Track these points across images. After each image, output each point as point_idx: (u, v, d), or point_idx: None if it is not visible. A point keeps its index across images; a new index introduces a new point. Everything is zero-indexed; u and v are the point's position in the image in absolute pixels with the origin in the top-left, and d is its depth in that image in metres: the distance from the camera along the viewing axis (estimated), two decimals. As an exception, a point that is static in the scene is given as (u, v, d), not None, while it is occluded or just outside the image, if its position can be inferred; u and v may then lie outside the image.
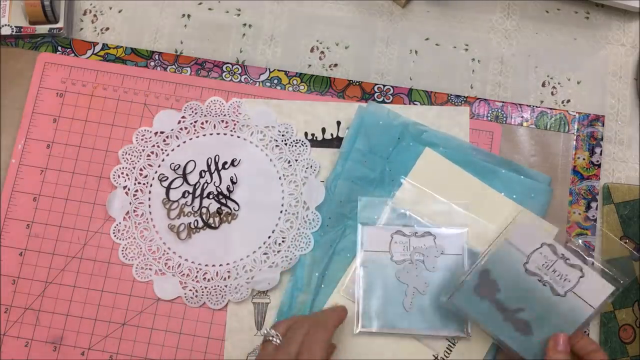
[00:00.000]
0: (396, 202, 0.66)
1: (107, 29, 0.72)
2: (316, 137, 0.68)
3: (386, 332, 0.64)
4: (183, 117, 0.68)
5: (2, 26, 0.69)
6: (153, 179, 0.67)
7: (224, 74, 0.70)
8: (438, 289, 0.64)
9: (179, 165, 0.67)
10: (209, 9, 0.73)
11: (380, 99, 0.69)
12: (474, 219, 0.66)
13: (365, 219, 0.66)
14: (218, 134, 0.68)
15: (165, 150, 0.67)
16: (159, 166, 0.67)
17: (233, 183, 0.67)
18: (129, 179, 0.67)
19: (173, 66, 0.70)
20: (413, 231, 0.65)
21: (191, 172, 0.67)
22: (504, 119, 0.69)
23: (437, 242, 0.65)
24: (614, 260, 0.67)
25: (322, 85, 0.70)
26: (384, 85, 0.70)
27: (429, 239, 0.65)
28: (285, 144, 0.68)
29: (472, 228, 0.65)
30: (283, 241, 0.65)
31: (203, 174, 0.67)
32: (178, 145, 0.67)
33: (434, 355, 0.64)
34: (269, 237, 0.66)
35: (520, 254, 0.62)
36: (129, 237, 0.66)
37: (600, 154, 0.69)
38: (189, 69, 0.70)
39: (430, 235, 0.65)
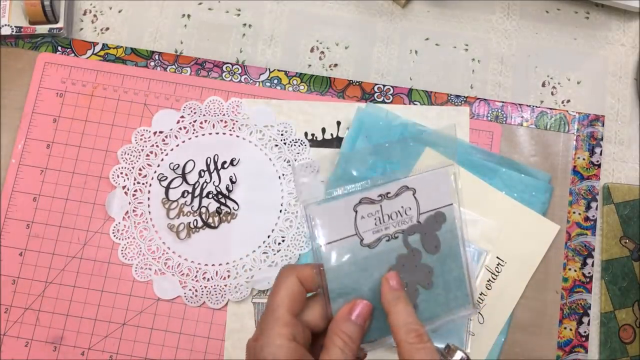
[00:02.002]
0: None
1: (107, 29, 0.72)
2: (316, 137, 0.68)
3: (385, 344, 0.46)
4: (182, 116, 0.68)
5: (2, 26, 0.69)
6: (152, 178, 0.67)
7: (224, 74, 0.70)
8: (449, 273, 0.47)
9: (178, 165, 0.67)
10: (209, 9, 0.73)
11: (380, 99, 0.69)
12: (478, 218, 0.66)
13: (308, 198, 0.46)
14: (217, 133, 0.68)
15: (165, 150, 0.67)
16: (158, 166, 0.67)
17: (232, 182, 0.67)
18: (128, 178, 0.67)
19: (173, 66, 0.70)
20: (382, 191, 0.46)
21: (190, 171, 0.67)
22: (504, 119, 0.69)
23: (419, 199, 0.46)
24: (614, 260, 0.67)
25: (322, 85, 0.70)
26: (384, 85, 0.70)
27: (407, 197, 0.46)
28: (285, 144, 0.68)
29: (475, 228, 0.65)
30: (283, 240, 0.65)
31: (202, 173, 0.67)
32: (177, 145, 0.68)
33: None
34: (269, 236, 0.66)
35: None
36: (129, 237, 0.66)
37: (600, 154, 0.69)
38: (189, 69, 0.70)
39: (407, 189, 0.46)
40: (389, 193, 0.46)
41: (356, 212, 0.46)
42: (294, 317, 0.43)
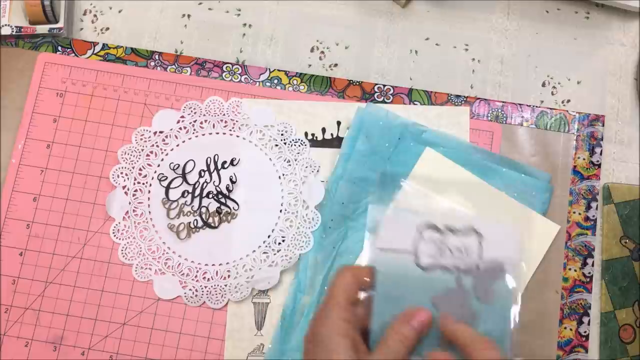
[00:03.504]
0: (397, 204, 0.64)
1: (107, 29, 0.72)
2: (316, 137, 0.68)
3: None
4: (182, 116, 0.68)
5: (2, 26, 0.69)
6: (152, 178, 0.67)
7: (224, 74, 0.70)
8: (493, 324, 0.46)
9: (178, 165, 0.67)
10: (209, 9, 0.73)
11: (381, 99, 0.69)
12: (480, 218, 0.65)
13: (378, 200, 0.51)
14: (217, 133, 0.68)
15: (165, 150, 0.67)
16: (158, 166, 0.67)
17: (232, 182, 0.67)
18: (128, 178, 0.67)
19: (173, 66, 0.70)
20: (449, 222, 0.47)
21: (190, 171, 0.67)
22: (504, 119, 0.69)
23: (483, 245, 0.47)
24: (614, 260, 0.67)
25: (322, 85, 0.70)
26: (384, 85, 0.70)
27: (473, 239, 0.47)
28: (285, 143, 0.68)
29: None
30: (283, 240, 0.65)
31: (202, 173, 0.67)
32: (177, 145, 0.68)
33: None
34: (269, 236, 0.66)
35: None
36: (129, 237, 0.66)
37: (600, 154, 0.69)
38: (189, 69, 0.70)
39: (476, 233, 0.47)
40: (456, 229, 0.47)
41: (420, 233, 0.47)
42: (350, 304, 0.47)
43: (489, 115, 0.69)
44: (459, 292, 0.47)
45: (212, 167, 0.67)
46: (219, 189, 0.67)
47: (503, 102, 0.70)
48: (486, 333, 0.46)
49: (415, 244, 0.47)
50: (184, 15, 0.73)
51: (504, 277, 0.47)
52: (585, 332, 0.65)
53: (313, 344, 0.47)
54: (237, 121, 0.68)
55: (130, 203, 0.66)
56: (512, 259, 0.47)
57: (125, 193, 0.66)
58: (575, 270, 0.66)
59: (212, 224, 0.66)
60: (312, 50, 0.72)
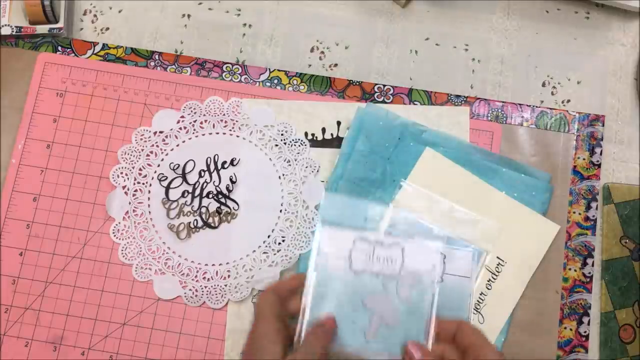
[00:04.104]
0: (397, 204, 0.65)
1: (107, 29, 0.72)
2: (316, 137, 0.68)
3: (334, 356, 0.55)
4: (182, 116, 0.68)
5: (2, 26, 0.69)
6: (152, 178, 0.67)
7: (224, 74, 0.70)
8: (413, 322, 0.56)
9: (178, 165, 0.67)
10: (209, 9, 0.73)
11: (381, 99, 0.69)
12: (478, 218, 0.66)
13: (327, 218, 0.61)
14: (217, 133, 0.68)
15: (165, 150, 0.67)
16: (158, 166, 0.67)
17: (232, 182, 0.67)
18: (128, 178, 0.67)
19: (173, 66, 0.70)
20: (379, 239, 0.58)
21: (190, 171, 0.67)
22: (504, 119, 0.69)
23: (405, 257, 0.57)
24: (614, 260, 0.67)
25: (322, 85, 0.70)
26: (384, 85, 0.70)
27: (396, 251, 0.57)
28: (285, 143, 0.68)
29: (475, 228, 0.65)
30: (283, 240, 0.65)
31: (202, 173, 0.67)
32: (177, 145, 0.68)
33: None
34: (269, 236, 0.66)
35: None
36: (129, 237, 0.66)
37: (600, 154, 0.69)
38: (189, 69, 0.70)
39: (399, 246, 0.57)
40: (383, 242, 0.58)
41: (354, 243, 0.58)
42: (275, 317, 0.54)
43: (489, 115, 0.69)
44: (384, 293, 0.56)
45: (212, 167, 0.67)
46: (219, 189, 0.67)
47: (503, 102, 0.70)
48: (404, 332, 0.55)
49: (349, 252, 0.57)
50: (184, 15, 0.73)
51: (419, 284, 0.57)
52: (585, 332, 0.65)
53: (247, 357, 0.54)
54: (237, 121, 0.68)
55: (130, 203, 0.66)
56: (427, 271, 0.57)
57: (125, 193, 0.66)
58: (575, 270, 0.66)
59: (212, 224, 0.66)
60: (312, 50, 0.72)
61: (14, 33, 0.69)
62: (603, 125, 0.70)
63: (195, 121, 0.68)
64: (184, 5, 0.73)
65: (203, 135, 0.68)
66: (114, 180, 0.67)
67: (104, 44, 0.71)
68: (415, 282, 0.57)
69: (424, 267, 0.57)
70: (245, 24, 0.73)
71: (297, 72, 0.70)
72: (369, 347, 0.55)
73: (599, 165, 0.69)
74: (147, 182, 0.67)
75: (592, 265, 0.67)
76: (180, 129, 0.68)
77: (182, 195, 0.66)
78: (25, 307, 0.65)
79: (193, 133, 0.68)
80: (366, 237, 0.58)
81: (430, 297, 0.56)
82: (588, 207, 0.68)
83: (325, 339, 0.54)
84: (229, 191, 0.67)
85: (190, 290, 0.65)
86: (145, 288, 0.65)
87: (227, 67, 0.70)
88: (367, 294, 0.56)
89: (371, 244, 0.58)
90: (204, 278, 0.65)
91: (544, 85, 0.72)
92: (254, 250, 0.65)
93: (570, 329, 0.65)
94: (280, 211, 0.66)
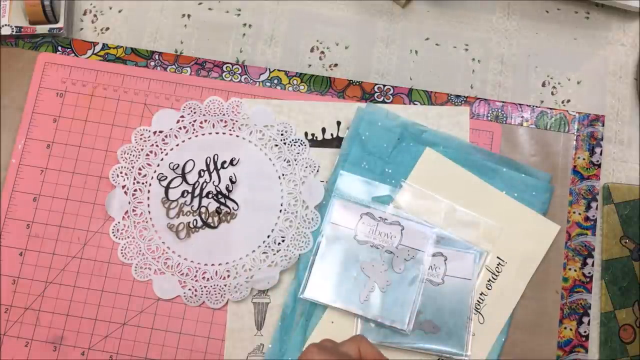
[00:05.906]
0: (396, 204, 0.66)
1: (107, 29, 0.72)
2: (316, 137, 0.68)
3: (331, 306, 0.63)
4: (182, 116, 0.68)
5: (2, 26, 0.69)
6: (152, 178, 0.67)
7: (224, 74, 0.70)
8: (401, 293, 0.63)
9: (178, 165, 0.67)
10: (209, 9, 0.73)
11: (380, 99, 0.69)
12: (478, 218, 0.66)
13: (341, 194, 0.66)
14: (217, 133, 0.68)
15: (164, 150, 0.67)
16: (158, 165, 0.67)
17: (232, 182, 0.67)
18: (127, 178, 0.67)
19: (173, 66, 0.70)
20: (382, 216, 0.65)
21: (190, 171, 0.67)
22: (504, 119, 0.69)
23: (403, 236, 0.65)
24: (614, 260, 0.67)
25: (322, 85, 0.70)
26: (384, 85, 0.70)
27: (396, 228, 0.65)
28: (285, 143, 0.68)
29: (475, 228, 0.65)
30: (282, 240, 0.65)
31: (202, 173, 0.67)
32: (177, 145, 0.68)
33: None
34: (268, 236, 0.66)
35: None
36: (128, 237, 0.66)
37: (600, 154, 0.69)
38: (189, 69, 0.70)
39: (399, 225, 0.65)
40: (386, 219, 0.65)
41: (360, 217, 0.65)
42: None
43: (489, 115, 0.69)
44: (380, 263, 0.64)
45: (211, 167, 0.67)
46: (218, 189, 0.67)
47: (503, 102, 0.70)
48: (395, 299, 0.63)
49: (356, 224, 0.65)
50: (184, 15, 0.73)
51: (413, 259, 0.64)
52: (585, 332, 0.65)
53: None
54: (237, 121, 0.68)
55: (129, 203, 0.66)
56: (422, 247, 0.64)
57: (125, 193, 0.66)
58: (575, 270, 0.66)
59: (212, 224, 0.66)
60: (312, 50, 0.72)
61: (14, 33, 0.69)
62: (603, 125, 0.70)
63: (195, 121, 0.68)
64: (184, 5, 0.73)
65: (203, 135, 0.68)
66: (114, 180, 0.67)
67: (104, 44, 0.71)
68: (409, 258, 0.64)
69: (418, 245, 0.65)
70: (245, 24, 0.73)
71: (297, 72, 0.70)
72: (362, 307, 0.63)
73: (599, 165, 0.69)
74: (146, 182, 0.67)
75: (592, 265, 0.67)
76: (180, 128, 0.68)
77: (182, 195, 0.66)
78: (25, 307, 0.65)
79: (193, 133, 0.68)
80: (372, 214, 0.65)
81: (420, 273, 0.64)
82: (588, 207, 0.68)
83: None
84: (229, 191, 0.67)
85: (189, 290, 0.65)
86: (145, 288, 0.65)
87: (227, 67, 0.70)
88: (366, 262, 0.64)
89: (376, 220, 0.65)
90: (204, 278, 0.65)
91: (544, 85, 0.72)
92: (254, 250, 0.65)
93: (570, 329, 0.65)
94: (280, 211, 0.66)
